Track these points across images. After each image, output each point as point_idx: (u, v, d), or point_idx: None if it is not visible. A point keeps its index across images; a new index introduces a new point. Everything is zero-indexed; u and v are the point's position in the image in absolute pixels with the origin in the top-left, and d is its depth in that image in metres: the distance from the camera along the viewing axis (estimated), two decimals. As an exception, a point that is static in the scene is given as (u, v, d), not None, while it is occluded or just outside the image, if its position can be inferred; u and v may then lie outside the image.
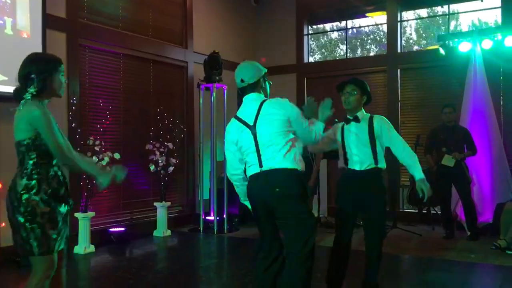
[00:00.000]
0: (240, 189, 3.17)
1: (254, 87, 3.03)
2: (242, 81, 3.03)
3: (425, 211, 7.23)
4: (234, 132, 3.05)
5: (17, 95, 2.66)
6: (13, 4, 5.22)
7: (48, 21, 5.55)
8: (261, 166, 2.92)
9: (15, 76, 2.70)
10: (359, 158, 3.49)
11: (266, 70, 3.10)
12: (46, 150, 2.61)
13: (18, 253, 2.74)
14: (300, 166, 2.93)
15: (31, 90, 2.61)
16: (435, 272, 4.80)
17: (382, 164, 3.51)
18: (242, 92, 3.08)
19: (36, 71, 2.63)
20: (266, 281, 3.02)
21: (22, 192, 2.55)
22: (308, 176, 6.25)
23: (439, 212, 6.74)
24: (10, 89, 2.88)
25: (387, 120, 3.60)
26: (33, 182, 2.57)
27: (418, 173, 3.42)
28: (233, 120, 3.10)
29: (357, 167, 3.50)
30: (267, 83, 3.13)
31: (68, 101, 5.74)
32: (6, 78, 4.95)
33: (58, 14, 5.80)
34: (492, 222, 6.29)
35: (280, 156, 2.88)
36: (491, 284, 4.63)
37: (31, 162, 2.60)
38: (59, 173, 2.70)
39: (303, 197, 2.93)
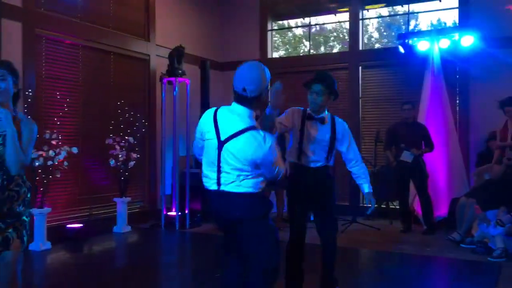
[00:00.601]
0: None
1: (253, 101, 2.63)
2: (244, 90, 2.60)
3: (384, 206, 7.39)
4: (204, 129, 2.73)
5: None
6: (-36, -9, 4.99)
7: (3, 10, 5.33)
8: (219, 185, 2.67)
9: None
10: (314, 157, 3.52)
11: (269, 79, 2.71)
12: None
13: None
14: (261, 188, 2.69)
15: None
16: (392, 266, 4.92)
17: (331, 162, 3.59)
18: (235, 97, 2.67)
19: None
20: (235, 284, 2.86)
21: None
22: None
23: (397, 207, 6.90)
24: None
25: (347, 125, 3.64)
26: None
27: (368, 187, 3.59)
28: (210, 114, 2.72)
29: (310, 165, 3.52)
30: (266, 93, 2.71)
31: (23, 94, 5.53)
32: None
33: (13, 3, 5.57)
34: (448, 216, 6.49)
35: (238, 181, 2.62)
36: (446, 277, 4.79)
37: None
38: None
39: (264, 215, 2.74)
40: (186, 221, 6.89)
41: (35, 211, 5.40)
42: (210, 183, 2.73)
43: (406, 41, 7.13)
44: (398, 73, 7.74)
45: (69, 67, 6.36)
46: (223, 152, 2.62)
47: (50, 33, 6.04)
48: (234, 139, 2.59)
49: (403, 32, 7.67)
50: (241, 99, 2.64)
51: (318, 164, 3.52)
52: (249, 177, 2.62)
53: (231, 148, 2.60)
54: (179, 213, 6.89)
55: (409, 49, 7.10)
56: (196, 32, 8.47)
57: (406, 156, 6.32)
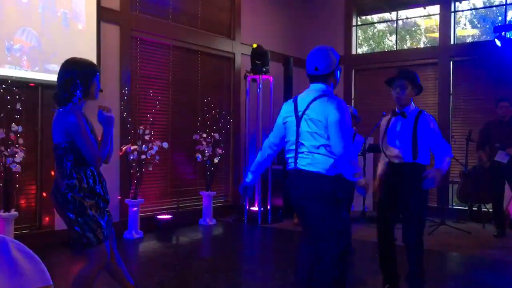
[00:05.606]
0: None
1: (326, 77, 2.87)
2: (316, 69, 2.85)
3: (475, 208, 7.02)
4: (286, 114, 2.97)
5: (61, 99, 2.72)
6: (70, -2, 5.43)
7: (102, 14, 5.73)
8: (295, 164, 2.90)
9: None
10: (397, 153, 3.47)
11: (339, 57, 2.96)
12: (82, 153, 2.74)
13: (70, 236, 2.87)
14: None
15: (79, 94, 2.72)
16: (484, 272, 4.66)
17: (422, 160, 3.43)
18: (311, 79, 2.92)
19: (81, 75, 2.72)
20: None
21: (66, 192, 2.68)
22: None
23: (490, 210, 6.52)
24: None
25: (433, 122, 3.50)
26: (74, 181, 2.69)
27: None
28: (290, 101, 3.00)
29: (395, 161, 3.48)
30: (338, 72, 2.97)
31: (120, 92, 5.93)
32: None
33: (112, 7, 5.98)
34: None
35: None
36: (545, 287, 4.45)
37: (69, 164, 2.71)
38: (95, 172, 2.82)
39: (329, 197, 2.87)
40: (268, 216, 7.00)
41: (129, 201, 5.77)
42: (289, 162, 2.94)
43: (503, 33, 6.69)
44: (494, 68, 7.27)
45: (161, 66, 6.71)
46: (301, 125, 2.81)
47: (144, 35, 6.40)
48: (309, 107, 2.80)
49: (500, 24, 7.19)
50: (315, 78, 2.89)
51: (403, 161, 3.44)
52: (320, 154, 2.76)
53: (307, 116, 2.79)
54: (261, 209, 7.02)
55: (507, 42, 6.66)
56: (280, 30, 8.54)
57: (501, 157, 5.96)
